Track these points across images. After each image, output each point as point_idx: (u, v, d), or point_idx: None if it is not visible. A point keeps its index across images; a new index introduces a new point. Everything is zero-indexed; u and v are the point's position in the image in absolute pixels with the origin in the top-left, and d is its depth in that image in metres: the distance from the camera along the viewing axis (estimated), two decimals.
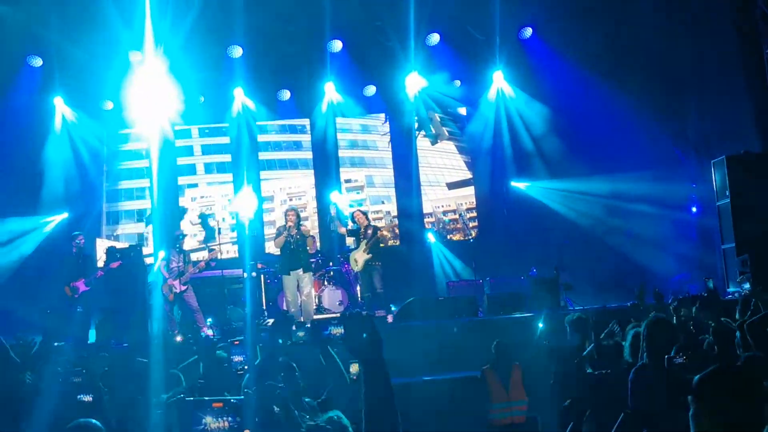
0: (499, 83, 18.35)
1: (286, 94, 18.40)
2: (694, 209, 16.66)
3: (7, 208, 16.77)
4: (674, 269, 15.76)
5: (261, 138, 19.07)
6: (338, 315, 13.75)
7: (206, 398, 2.28)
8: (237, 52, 17.25)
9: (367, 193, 18.85)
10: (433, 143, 19.28)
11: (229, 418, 2.12)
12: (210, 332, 13.58)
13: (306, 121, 19.23)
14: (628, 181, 16.36)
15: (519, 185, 18.42)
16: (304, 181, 19.11)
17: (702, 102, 16.13)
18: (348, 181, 18.98)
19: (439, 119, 19.30)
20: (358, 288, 15.55)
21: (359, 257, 14.67)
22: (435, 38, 17.63)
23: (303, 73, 18.09)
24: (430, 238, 17.15)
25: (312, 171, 19.10)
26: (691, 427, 3.28)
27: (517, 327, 11.85)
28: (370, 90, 18.61)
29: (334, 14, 16.68)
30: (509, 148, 18.41)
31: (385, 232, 15.09)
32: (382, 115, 19.40)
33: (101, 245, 16.51)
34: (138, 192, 18.65)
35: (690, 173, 16.69)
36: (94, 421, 4.02)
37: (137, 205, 18.60)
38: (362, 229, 14.88)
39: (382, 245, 14.84)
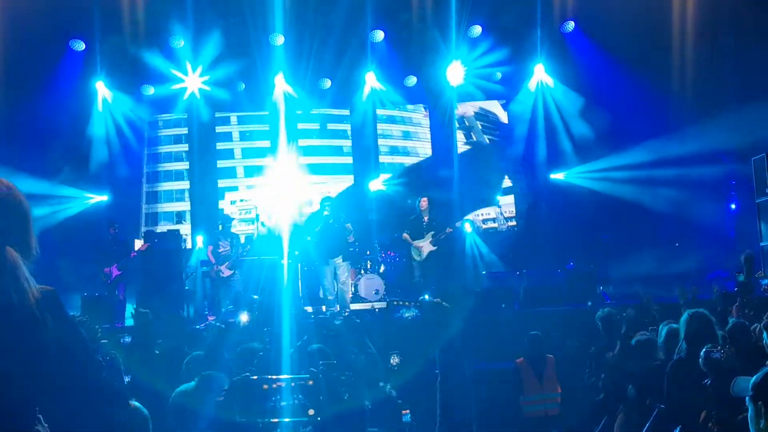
0: (540, 75, 18.28)
1: (327, 83, 18.45)
2: (732, 206, 16.51)
3: (53, 178, 17.01)
4: (711, 266, 15.64)
5: (302, 142, 19.05)
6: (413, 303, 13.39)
7: (275, 377, 2.34)
8: (279, 40, 17.31)
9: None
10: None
11: (300, 397, 2.18)
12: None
13: (347, 126, 19.29)
14: (667, 176, 16.26)
15: (558, 176, 18.38)
16: (343, 186, 19.09)
17: (744, 99, 15.96)
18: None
19: (480, 126, 19.28)
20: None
21: (425, 248, 14.73)
22: (477, 30, 17.60)
23: (344, 63, 18.10)
24: (467, 228, 17.11)
25: (352, 176, 19.11)
26: (750, 428, 3.31)
27: (553, 320, 11.86)
28: (411, 80, 18.60)
29: (376, 4, 16.72)
30: (548, 140, 18.34)
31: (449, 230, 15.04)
32: (422, 107, 19.41)
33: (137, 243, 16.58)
34: (177, 174, 18.84)
35: (729, 170, 16.53)
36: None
37: (176, 186, 18.77)
38: (425, 219, 14.85)
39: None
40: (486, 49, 17.83)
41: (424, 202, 14.87)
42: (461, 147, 19.18)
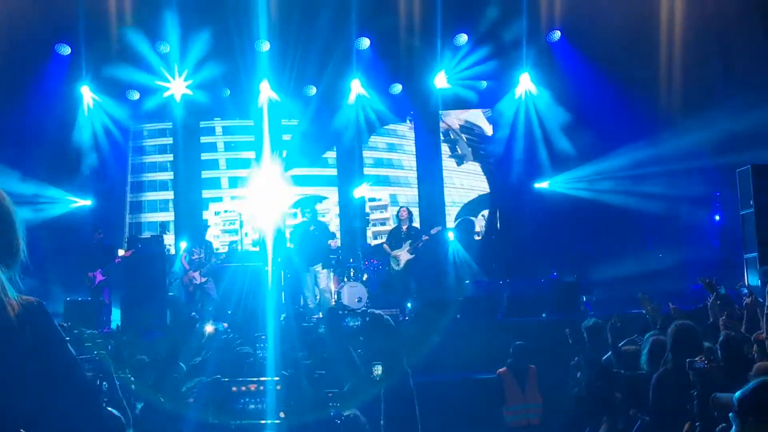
0: (526, 84, 18.28)
1: (312, 90, 18.41)
2: (717, 217, 16.54)
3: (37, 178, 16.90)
4: (694, 277, 15.64)
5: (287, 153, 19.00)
6: (359, 311, 13.54)
7: (245, 379, 2.30)
8: (265, 46, 17.28)
9: (390, 212, 18.64)
10: (459, 164, 19.24)
11: (265, 400, 2.16)
12: (225, 324, 13.58)
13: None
14: (651, 186, 16.30)
15: (542, 185, 18.40)
16: (328, 197, 19.04)
17: (730, 109, 16.00)
18: (372, 200, 18.91)
19: (465, 139, 19.29)
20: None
21: (402, 257, 14.90)
22: (463, 38, 17.63)
23: (329, 70, 18.08)
24: (450, 236, 17.10)
25: (336, 189, 19.05)
26: None
27: (537, 330, 11.84)
28: (397, 88, 18.58)
29: (362, 11, 16.72)
30: (531, 149, 18.35)
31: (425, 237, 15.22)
32: (408, 125, 19.44)
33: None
34: (162, 184, 18.75)
35: (714, 181, 16.56)
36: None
37: (161, 196, 18.68)
38: (404, 228, 15.18)
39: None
40: (471, 58, 17.85)
41: (403, 212, 15.41)
42: (446, 160, 19.16)
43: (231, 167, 18.88)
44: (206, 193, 18.60)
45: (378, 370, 7.46)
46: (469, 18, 17.30)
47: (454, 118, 19.35)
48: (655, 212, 16.42)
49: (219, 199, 18.69)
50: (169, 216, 18.49)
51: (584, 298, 14.34)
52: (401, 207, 15.73)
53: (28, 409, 2.54)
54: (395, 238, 15.33)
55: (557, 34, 17.64)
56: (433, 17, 17.32)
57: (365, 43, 17.65)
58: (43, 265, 15.46)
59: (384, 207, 18.99)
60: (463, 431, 10.21)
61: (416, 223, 16.92)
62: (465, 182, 19.15)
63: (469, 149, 19.33)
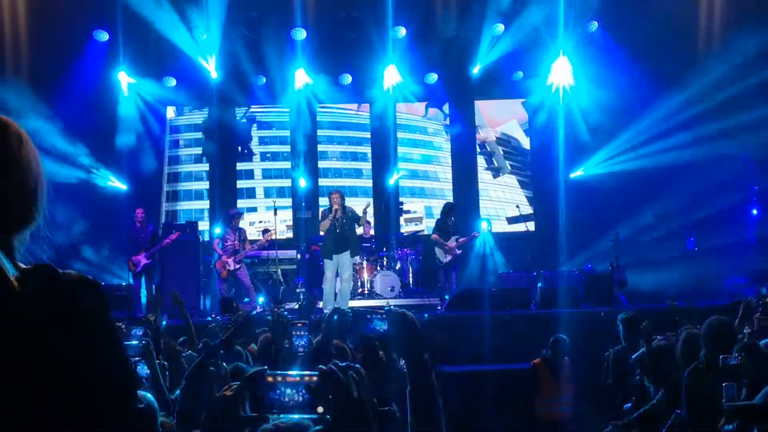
0: (561, 75, 18.22)
1: (347, 79, 18.45)
2: (754, 211, 16.37)
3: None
4: (730, 272, 15.51)
5: (321, 147, 19.18)
6: (381, 307, 13.35)
7: (283, 372, 2.29)
8: (300, 35, 17.31)
9: (425, 224, 18.68)
10: (495, 177, 19.24)
11: (305, 393, 2.14)
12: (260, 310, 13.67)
13: (367, 134, 19.35)
14: (688, 180, 16.16)
15: (577, 173, 18.37)
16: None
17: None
18: (407, 212, 18.97)
19: (502, 152, 19.26)
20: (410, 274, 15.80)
21: (453, 248, 15.12)
22: (500, 28, 17.58)
23: (365, 59, 18.12)
24: (483, 227, 17.08)
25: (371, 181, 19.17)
26: None
27: (570, 322, 11.78)
28: (433, 77, 18.56)
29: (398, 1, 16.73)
30: (567, 139, 18.29)
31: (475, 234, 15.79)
32: (443, 132, 19.47)
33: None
34: (197, 174, 18.92)
35: (753, 175, 16.41)
36: None
37: (196, 186, 18.83)
38: (449, 222, 15.36)
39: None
40: (507, 48, 17.80)
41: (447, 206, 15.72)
42: (482, 173, 19.23)
43: (266, 177, 19.07)
44: (241, 203, 18.67)
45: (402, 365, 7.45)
46: (505, 7, 17.18)
47: (491, 131, 19.33)
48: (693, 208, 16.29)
49: (254, 209, 18.83)
50: (204, 204, 18.64)
51: (618, 291, 14.25)
52: (450, 203, 16.07)
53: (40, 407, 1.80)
54: (445, 231, 15.35)
55: (594, 25, 17.52)
56: (470, 7, 17.30)
57: (402, 32, 17.59)
58: (78, 249, 15.75)
59: (419, 219, 19.04)
60: (495, 422, 10.21)
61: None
62: (501, 195, 19.11)
63: (506, 162, 19.30)
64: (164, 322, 11.73)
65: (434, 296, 15.37)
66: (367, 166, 19.16)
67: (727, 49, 15.90)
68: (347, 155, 19.07)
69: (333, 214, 13.38)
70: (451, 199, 18.46)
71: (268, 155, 19.19)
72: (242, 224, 15.72)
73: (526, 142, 19.37)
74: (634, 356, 7.97)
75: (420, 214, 19.04)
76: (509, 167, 19.34)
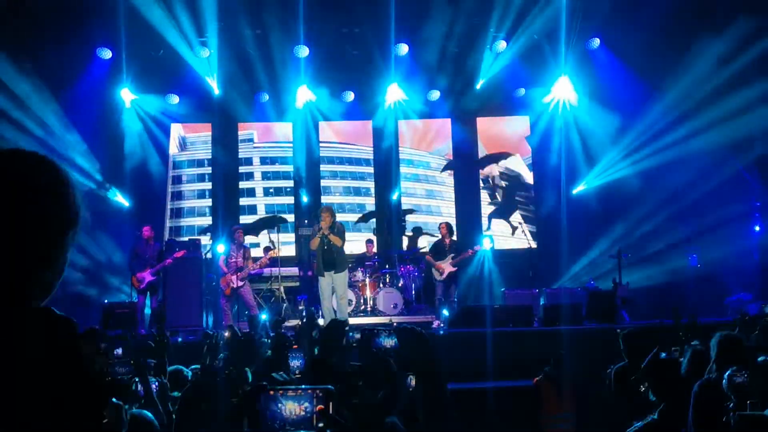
0: (563, 91, 18.29)
1: (350, 96, 18.51)
2: (757, 228, 16.37)
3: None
4: (733, 289, 15.49)
5: (324, 183, 19.23)
6: (388, 324, 13.31)
7: (283, 386, 2.26)
8: (303, 52, 17.36)
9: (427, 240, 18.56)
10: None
11: (306, 404, 2.13)
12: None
13: (371, 169, 19.39)
14: (691, 197, 16.19)
15: (579, 188, 18.42)
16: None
17: None
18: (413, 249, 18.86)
19: (504, 185, 19.30)
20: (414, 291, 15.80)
21: (446, 269, 15.20)
22: (501, 45, 17.61)
23: (367, 76, 18.19)
24: (486, 244, 17.07)
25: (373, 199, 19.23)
26: None
27: (573, 339, 11.76)
28: (435, 95, 18.60)
29: (401, 17, 16.76)
30: (569, 155, 18.35)
31: (466, 256, 15.64)
32: (448, 172, 19.57)
33: None
34: (200, 193, 18.94)
35: (754, 191, 16.43)
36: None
37: (199, 203, 18.85)
38: (446, 242, 15.51)
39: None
40: (509, 65, 17.85)
41: (443, 228, 15.83)
42: (485, 207, 19.29)
43: (267, 195, 19.13)
44: (243, 219, 18.71)
45: (412, 381, 7.42)
46: (506, 24, 17.23)
47: (494, 166, 19.37)
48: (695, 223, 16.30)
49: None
50: (207, 220, 18.68)
51: (621, 309, 14.22)
52: (441, 223, 16.05)
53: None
54: (439, 250, 15.55)
55: (596, 42, 17.57)
56: (470, 24, 17.35)
57: (404, 49, 17.63)
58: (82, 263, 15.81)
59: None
60: None
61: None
62: (504, 229, 19.09)
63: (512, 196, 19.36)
64: (179, 339, 11.68)
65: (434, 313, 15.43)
66: (370, 201, 19.19)
67: (727, 60, 15.96)
68: (350, 190, 19.05)
69: (321, 232, 13.23)
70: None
71: (269, 174, 19.20)
72: (247, 240, 15.69)
73: (529, 177, 19.40)
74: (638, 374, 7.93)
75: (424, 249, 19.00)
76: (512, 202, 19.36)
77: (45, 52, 16.06)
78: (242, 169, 19.16)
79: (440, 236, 15.78)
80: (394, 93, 18.35)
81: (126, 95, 17.78)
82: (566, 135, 18.42)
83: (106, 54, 17.03)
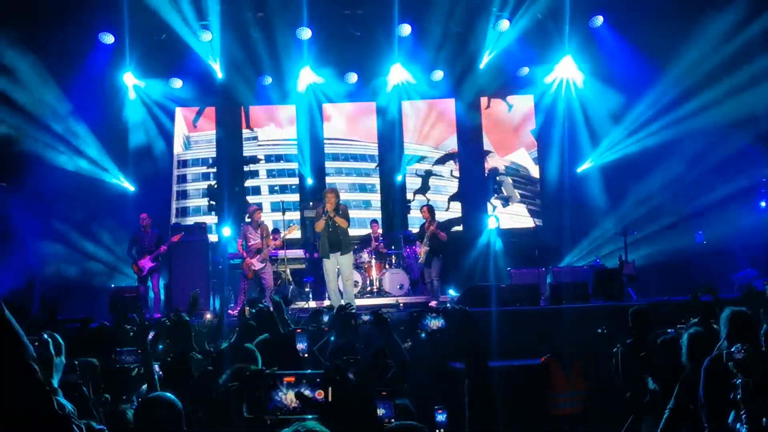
0: (566, 70, 18.27)
1: (353, 77, 18.45)
2: (763, 204, 16.34)
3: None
4: (740, 265, 15.46)
5: (329, 165, 19.23)
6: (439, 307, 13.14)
7: (282, 372, 2.25)
8: (305, 34, 17.30)
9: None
10: (505, 206, 19.18)
11: (308, 391, 2.11)
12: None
13: (375, 147, 19.40)
14: (696, 173, 16.16)
15: (585, 166, 18.38)
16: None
17: None
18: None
19: (511, 181, 19.25)
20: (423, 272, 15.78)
21: (421, 251, 15.32)
22: (504, 24, 17.51)
23: (370, 57, 18.14)
24: (491, 223, 17.06)
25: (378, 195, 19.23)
26: None
27: (579, 317, 11.75)
28: (438, 75, 18.53)
29: None
30: (574, 134, 18.32)
31: (433, 231, 15.46)
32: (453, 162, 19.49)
33: None
34: (205, 176, 18.96)
35: (759, 166, 16.38)
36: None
37: (205, 185, 18.87)
38: (426, 224, 15.53)
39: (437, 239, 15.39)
40: (513, 43, 17.79)
41: (424, 211, 15.86)
42: (493, 200, 19.24)
43: (272, 192, 19.16)
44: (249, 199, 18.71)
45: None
46: (511, 4, 17.15)
47: (499, 159, 19.33)
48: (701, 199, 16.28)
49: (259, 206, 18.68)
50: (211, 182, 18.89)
51: (627, 286, 14.22)
52: (422, 206, 16.22)
53: None
54: (420, 234, 15.81)
55: (600, 19, 17.49)
56: (474, 3, 17.29)
57: (406, 29, 17.56)
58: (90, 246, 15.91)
59: (458, 221, 19.09)
60: (503, 419, 10.18)
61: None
62: (510, 223, 18.96)
63: (515, 191, 19.28)
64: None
65: (444, 293, 15.47)
66: (375, 197, 19.15)
67: (734, 35, 15.89)
68: (355, 187, 19.00)
69: (326, 214, 13.24)
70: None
71: (274, 172, 19.23)
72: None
73: (535, 171, 19.34)
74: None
75: (458, 215, 19.11)
76: (518, 196, 19.30)
77: (47, 38, 16.08)
78: (247, 168, 19.20)
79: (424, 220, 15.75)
80: (397, 73, 18.29)
81: (129, 80, 17.76)
82: (570, 113, 18.36)
83: (109, 39, 16.97)
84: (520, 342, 11.38)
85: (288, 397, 2.16)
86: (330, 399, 2.06)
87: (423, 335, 7.84)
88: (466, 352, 2.03)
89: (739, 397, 5.24)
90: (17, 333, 2.16)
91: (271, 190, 19.06)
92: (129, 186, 17.83)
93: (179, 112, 18.87)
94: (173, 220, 18.28)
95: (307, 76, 18.16)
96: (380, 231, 17.18)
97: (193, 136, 19.09)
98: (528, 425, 9.80)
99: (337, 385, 2.06)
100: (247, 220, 15.23)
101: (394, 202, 18.60)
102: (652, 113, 17.07)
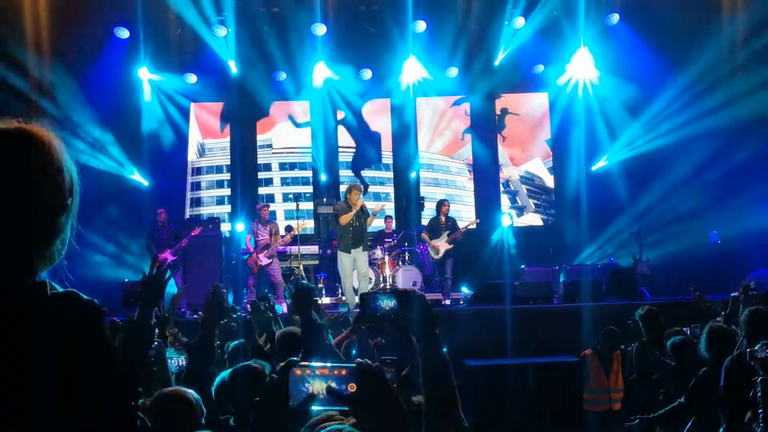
0: (581, 67, 18.20)
1: (368, 74, 18.43)
2: None
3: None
4: (754, 264, 15.38)
5: (343, 188, 19.04)
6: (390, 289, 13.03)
7: (313, 363, 2.24)
8: (320, 30, 17.30)
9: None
10: (519, 215, 19.11)
11: (334, 383, 2.11)
12: (285, 307, 13.57)
13: (390, 174, 19.37)
14: (712, 171, 16.09)
15: (600, 164, 18.35)
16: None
17: None
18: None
19: (525, 191, 19.20)
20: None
21: (441, 247, 14.93)
22: (520, 21, 17.47)
23: (385, 53, 18.11)
24: (505, 220, 17.04)
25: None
26: None
27: (593, 315, 11.73)
28: (453, 72, 18.49)
29: None
30: (588, 132, 18.26)
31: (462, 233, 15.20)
32: (466, 170, 19.44)
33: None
34: (218, 170, 18.97)
35: None
36: None
37: (219, 177, 18.89)
38: (442, 219, 15.18)
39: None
40: (528, 41, 17.75)
41: (445, 207, 15.37)
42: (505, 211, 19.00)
43: (285, 184, 19.16)
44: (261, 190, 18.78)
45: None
46: (526, 1, 17.11)
47: (514, 169, 19.29)
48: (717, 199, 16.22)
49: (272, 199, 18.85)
50: (226, 191, 18.91)
51: (641, 285, 14.18)
52: (443, 200, 15.76)
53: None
54: (434, 229, 15.33)
55: (616, 17, 17.43)
56: (490, 1, 17.27)
57: (421, 26, 17.54)
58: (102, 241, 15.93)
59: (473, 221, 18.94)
60: (518, 416, 10.17)
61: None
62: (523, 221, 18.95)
63: (530, 200, 19.24)
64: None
65: (457, 291, 15.38)
66: (390, 205, 18.98)
67: (749, 33, 15.83)
68: (369, 196, 18.94)
69: (355, 210, 13.34)
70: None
71: (287, 165, 19.23)
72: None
73: (550, 180, 19.27)
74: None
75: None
76: (533, 206, 19.24)
77: (63, 33, 16.07)
78: (261, 175, 19.18)
79: (437, 214, 15.50)
80: (412, 70, 18.24)
81: (144, 74, 17.78)
82: (586, 111, 18.30)
83: (124, 33, 17.01)
84: (537, 340, 11.38)
85: (315, 387, 2.15)
86: (361, 394, 2.04)
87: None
88: (418, 333, 2.04)
89: (759, 394, 5.22)
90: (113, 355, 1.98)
91: (284, 182, 19.02)
92: (143, 181, 17.82)
93: (194, 108, 18.86)
94: (188, 214, 18.29)
95: (321, 72, 18.12)
96: (393, 227, 17.19)
97: (208, 143, 19.09)
98: (562, 421, 9.75)
99: (371, 381, 2.05)
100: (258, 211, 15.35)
101: (408, 199, 18.55)
102: (668, 111, 17.00)
